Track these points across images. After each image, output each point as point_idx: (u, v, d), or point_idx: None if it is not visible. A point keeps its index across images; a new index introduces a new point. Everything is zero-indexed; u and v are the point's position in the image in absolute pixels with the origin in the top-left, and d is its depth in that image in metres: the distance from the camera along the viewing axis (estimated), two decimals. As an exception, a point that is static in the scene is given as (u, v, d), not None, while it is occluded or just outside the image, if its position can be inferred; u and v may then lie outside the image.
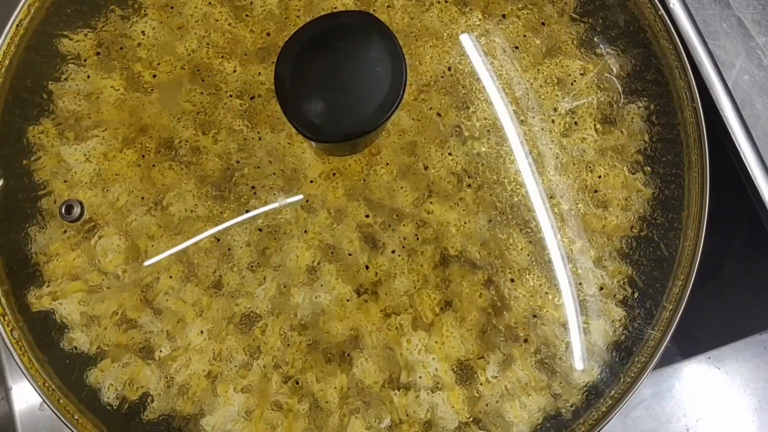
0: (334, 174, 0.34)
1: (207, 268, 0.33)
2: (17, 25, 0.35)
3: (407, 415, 0.33)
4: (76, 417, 0.32)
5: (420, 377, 0.33)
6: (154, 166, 0.34)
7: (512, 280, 0.34)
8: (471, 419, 0.33)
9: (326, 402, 0.32)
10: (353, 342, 0.33)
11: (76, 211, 0.33)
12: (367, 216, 0.34)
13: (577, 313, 0.34)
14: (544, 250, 0.34)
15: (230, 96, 0.35)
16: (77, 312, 0.33)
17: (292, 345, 0.33)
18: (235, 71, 0.35)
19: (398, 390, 0.33)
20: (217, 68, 0.35)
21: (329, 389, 0.33)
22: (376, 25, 0.28)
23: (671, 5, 0.46)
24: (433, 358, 0.33)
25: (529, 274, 0.34)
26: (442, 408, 0.33)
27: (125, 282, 0.33)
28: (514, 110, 0.36)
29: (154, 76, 0.35)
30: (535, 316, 0.34)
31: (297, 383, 0.33)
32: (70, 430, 0.32)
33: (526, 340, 0.34)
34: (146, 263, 0.33)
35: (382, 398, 0.33)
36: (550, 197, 0.35)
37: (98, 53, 0.35)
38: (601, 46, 0.37)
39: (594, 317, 0.34)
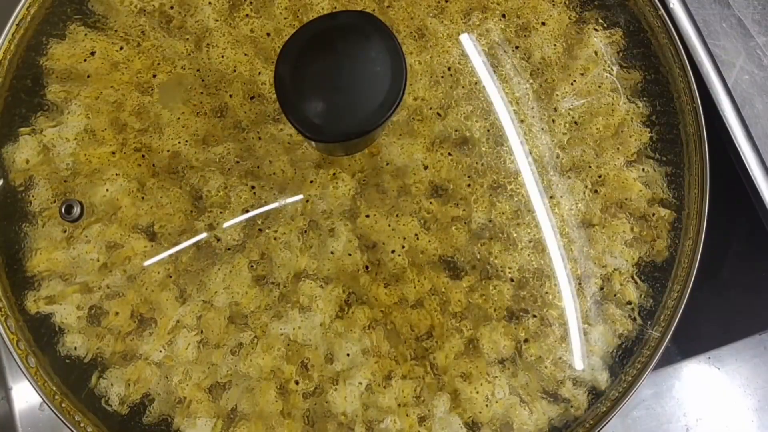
0: (334, 174, 0.34)
1: (206, 269, 0.33)
2: (17, 25, 0.35)
3: (407, 415, 0.33)
4: (76, 417, 0.32)
5: (420, 377, 0.33)
6: (153, 165, 0.34)
7: (512, 280, 0.34)
8: (471, 421, 0.33)
9: (326, 402, 0.32)
10: (354, 343, 0.33)
11: (76, 211, 0.33)
12: (368, 216, 0.34)
13: (577, 313, 0.34)
14: (544, 250, 0.34)
15: (230, 96, 0.35)
16: (75, 314, 0.33)
17: (291, 346, 0.33)
18: (235, 71, 0.35)
19: (398, 393, 0.33)
20: (216, 68, 0.35)
21: (330, 391, 0.33)
22: (376, 25, 0.28)
23: (671, 5, 0.46)
24: (434, 358, 0.33)
25: (529, 275, 0.34)
26: (441, 408, 0.33)
27: (124, 284, 0.33)
28: (514, 110, 0.36)
29: (154, 76, 0.35)
30: (534, 316, 0.34)
31: (297, 383, 0.33)
32: (70, 430, 0.32)
33: (526, 341, 0.34)
34: (146, 263, 0.33)
35: (380, 403, 0.33)
36: (550, 197, 0.35)
37: (93, 53, 0.35)
38: (601, 46, 0.37)
39: (594, 317, 0.34)
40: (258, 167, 0.34)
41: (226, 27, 0.36)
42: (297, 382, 0.33)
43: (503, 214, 0.35)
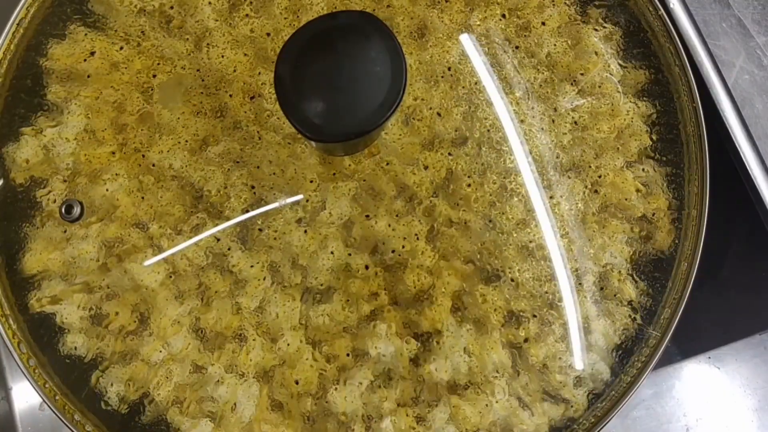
0: (334, 174, 0.34)
1: (207, 268, 0.33)
2: (17, 25, 0.35)
3: (406, 415, 0.33)
4: (76, 417, 0.32)
5: (420, 377, 0.33)
6: (153, 166, 0.34)
7: (512, 280, 0.34)
8: (470, 421, 0.33)
9: (326, 402, 0.32)
10: (353, 343, 0.33)
11: (76, 211, 0.33)
12: (368, 216, 0.34)
13: (577, 313, 0.34)
14: (544, 250, 0.34)
15: (230, 96, 0.35)
16: (77, 314, 0.33)
17: (292, 345, 0.33)
18: (235, 71, 0.35)
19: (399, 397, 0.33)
20: (216, 68, 0.35)
21: (331, 391, 0.33)
22: (376, 25, 0.28)
23: (671, 5, 0.46)
24: (434, 358, 0.33)
25: (529, 274, 0.34)
26: (440, 408, 0.33)
27: (125, 283, 0.33)
28: (514, 110, 0.36)
29: (154, 76, 0.35)
30: (535, 315, 0.34)
31: (297, 383, 0.33)
32: (70, 430, 0.32)
33: (526, 341, 0.34)
34: (145, 263, 0.33)
35: (380, 403, 0.33)
36: (550, 197, 0.35)
37: (93, 53, 0.35)
38: (601, 46, 0.37)
39: (594, 317, 0.34)
40: (258, 167, 0.34)
41: (226, 27, 0.36)
42: (297, 382, 0.33)
43: (503, 213, 0.35)
